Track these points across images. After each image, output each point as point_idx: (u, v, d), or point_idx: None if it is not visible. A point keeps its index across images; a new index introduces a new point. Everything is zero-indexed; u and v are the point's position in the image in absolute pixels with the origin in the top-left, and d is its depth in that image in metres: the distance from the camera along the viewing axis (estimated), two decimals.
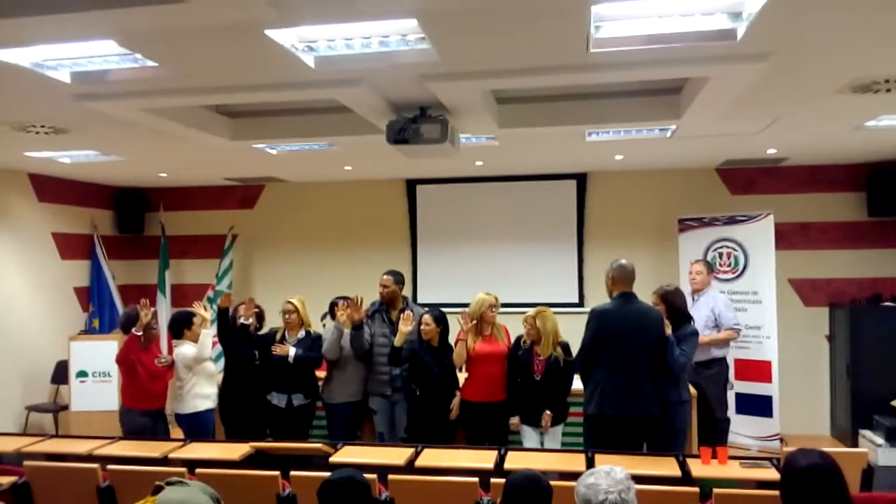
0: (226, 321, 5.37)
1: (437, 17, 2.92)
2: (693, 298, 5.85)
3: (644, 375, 4.43)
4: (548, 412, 4.76)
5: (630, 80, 4.41)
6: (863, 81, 3.98)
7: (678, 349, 4.52)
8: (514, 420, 4.92)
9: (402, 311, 5.35)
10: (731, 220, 6.89)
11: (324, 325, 5.57)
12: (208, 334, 5.20)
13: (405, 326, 5.05)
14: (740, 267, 6.80)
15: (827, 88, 4.13)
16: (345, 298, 5.37)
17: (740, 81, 3.84)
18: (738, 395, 6.63)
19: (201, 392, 5.19)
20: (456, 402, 5.06)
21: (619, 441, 4.34)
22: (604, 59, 3.47)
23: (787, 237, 7.12)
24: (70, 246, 7.74)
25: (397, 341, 5.07)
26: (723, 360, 5.79)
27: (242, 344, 5.29)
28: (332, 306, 5.45)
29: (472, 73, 3.70)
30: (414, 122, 4.32)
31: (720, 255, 6.91)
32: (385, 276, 5.43)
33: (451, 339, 5.30)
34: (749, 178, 7.39)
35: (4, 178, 6.93)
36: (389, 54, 3.40)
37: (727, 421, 5.89)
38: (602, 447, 4.26)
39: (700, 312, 5.73)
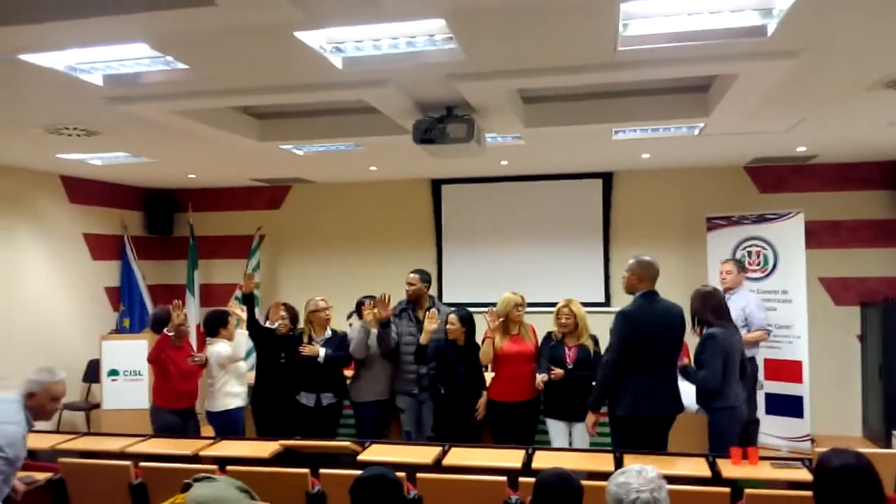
0: (253, 315, 5.43)
1: (464, 17, 2.93)
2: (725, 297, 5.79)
3: (672, 373, 4.42)
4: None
5: (658, 79, 4.38)
6: (894, 77, 3.92)
7: (698, 373, 4.37)
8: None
9: (429, 309, 5.37)
10: (761, 219, 6.81)
11: (350, 325, 5.61)
12: (243, 334, 5.25)
13: (430, 325, 5.07)
14: (770, 266, 6.72)
15: (858, 85, 4.07)
16: (371, 298, 5.39)
17: (770, 79, 3.80)
18: (769, 396, 6.55)
19: (232, 390, 5.25)
20: (482, 401, 5.06)
21: (650, 441, 4.32)
22: (632, 58, 3.45)
23: (818, 235, 7.02)
24: (100, 246, 7.87)
25: (423, 339, 5.09)
26: (752, 360, 5.72)
27: (267, 347, 5.35)
28: (359, 305, 5.49)
29: (498, 72, 3.71)
30: (440, 122, 4.33)
31: (749, 253, 6.83)
32: (411, 275, 5.45)
33: (478, 339, 5.31)
34: (778, 176, 7.30)
35: (36, 180, 7.06)
36: (416, 54, 3.41)
37: (757, 422, 5.82)
38: (633, 447, 4.23)
39: (731, 312, 5.66)
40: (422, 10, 2.81)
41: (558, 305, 5.07)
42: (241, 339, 5.23)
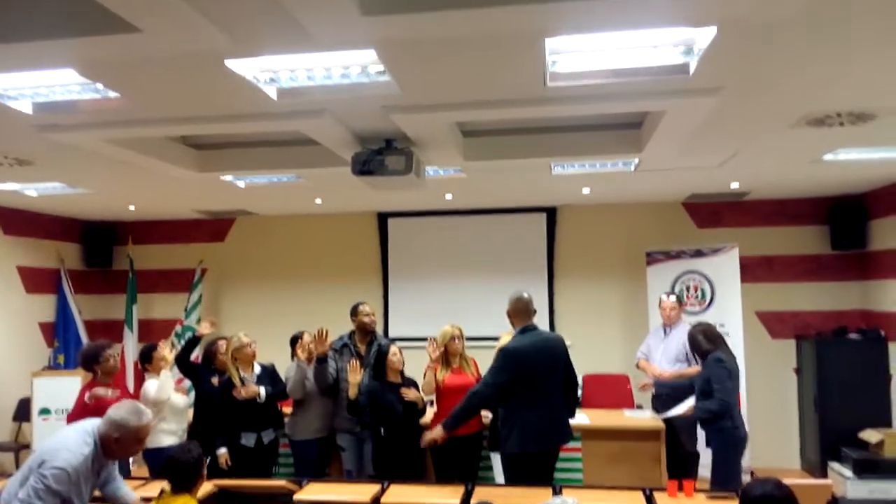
0: (188, 357, 5.29)
1: (395, 49, 2.96)
2: (664, 332, 5.90)
3: (558, 405, 4.43)
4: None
5: (589, 114, 4.49)
6: (816, 115, 4.09)
7: (707, 403, 4.55)
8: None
9: (371, 343, 5.33)
10: (698, 253, 6.98)
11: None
12: (168, 375, 5.06)
13: (354, 377, 5.00)
14: (707, 299, 6.87)
15: (781, 122, 4.23)
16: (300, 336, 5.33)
17: (696, 115, 3.93)
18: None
19: (167, 427, 5.07)
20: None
21: (541, 472, 4.35)
22: (561, 93, 3.54)
23: (753, 270, 7.21)
24: (36, 280, 7.64)
25: (351, 393, 5.00)
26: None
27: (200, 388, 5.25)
28: (294, 340, 5.39)
29: (433, 105, 3.75)
30: (379, 154, 4.35)
31: (687, 287, 6.98)
32: (367, 307, 5.41)
33: (419, 372, 5.29)
34: (714, 212, 7.51)
35: None
36: (351, 86, 3.44)
37: (696, 454, 5.88)
38: (524, 481, 4.23)
39: (671, 346, 5.78)
40: (351, 40, 2.84)
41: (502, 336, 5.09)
42: (165, 380, 5.02)
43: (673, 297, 6.00)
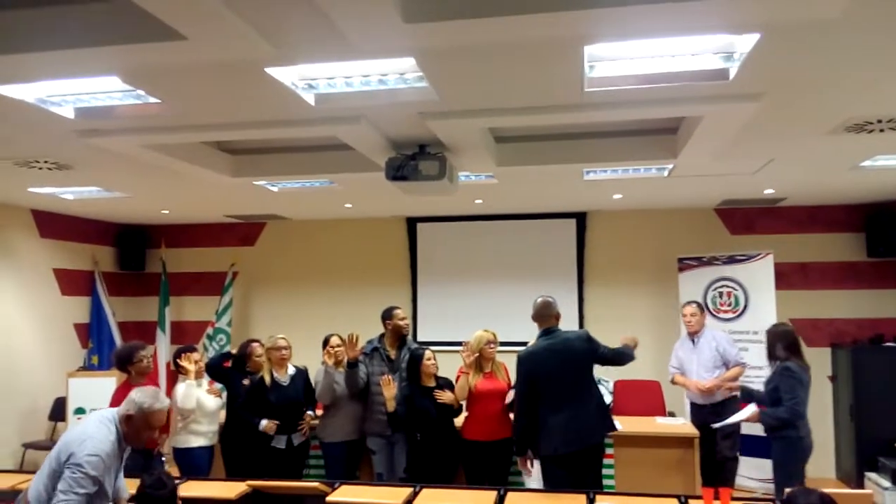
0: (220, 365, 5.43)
1: (433, 57, 2.98)
2: (692, 341, 5.83)
3: (585, 405, 4.36)
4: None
5: (625, 120, 4.48)
6: (856, 121, 4.03)
7: (777, 410, 4.55)
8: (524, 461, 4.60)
9: (401, 347, 5.34)
10: (731, 260, 6.90)
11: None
12: (192, 386, 5.13)
13: (389, 392, 5.05)
14: (741, 306, 6.79)
15: (820, 128, 4.18)
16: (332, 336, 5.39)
17: (734, 121, 3.90)
18: (743, 437, 6.53)
19: (197, 429, 5.14)
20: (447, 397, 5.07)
21: (582, 473, 4.31)
22: (599, 99, 3.53)
23: (787, 277, 7.12)
24: (71, 282, 7.77)
25: (389, 406, 5.05)
26: (736, 398, 5.65)
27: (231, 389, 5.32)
28: (325, 343, 5.43)
29: (469, 111, 3.76)
30: (412, 159, 4.37)
31: (720, 294, 6.90)
32: (401, 311, 5.42)
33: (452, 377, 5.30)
34: (748, 218, 7.43)
35: (7, 214, 6.98)
36: (388, 92, 3.46)
37: (736, 460, 5.80)
38: (562, 486, 4.22)
39: (703, 355, 5.71)
40: (391, 48, 2.85)
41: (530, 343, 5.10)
42: (187, 391, 5.10)
43: (693, 305, 5.92)
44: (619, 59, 3.13)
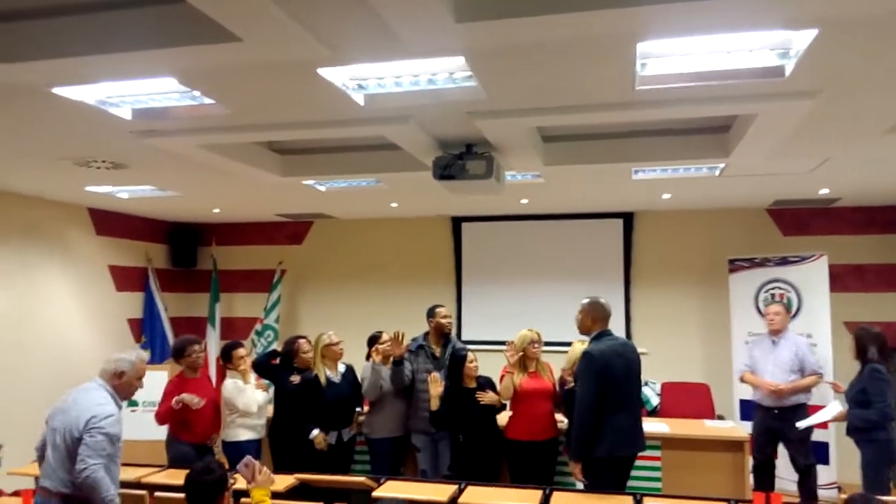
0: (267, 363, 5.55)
1: (484, 55, 2.98)
2: (772, 342, 5.69)
3: (638, 411, 4.44)
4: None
5: (676, 119, 4.42)
6: None
7: (866, 412, 4.57)
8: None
9: (445, 345, 5.37)
10: (784, 261, 6.75)
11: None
12: (245, 389, 5.27)
13: (435, 389, 5.08)
14: (794, 309, 6.62)
15: (879, 127, 4.06)
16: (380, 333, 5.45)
17: (789, 119, 3.81)
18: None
19: (246, 422, 5.25)
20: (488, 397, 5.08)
21: (620, 481, 4.33)
22: (650, 97, 3.49)
23: (842, 279, 6.94)
24: (125, 278, 7.98)
25: (433, 405, 5.07)
26: (805, 405, 5.56)
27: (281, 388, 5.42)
28: (372, 341, 5.48)
29: (517, 110, 3.75)
30: (460, 159, 4.37)
31: (772, 296, 6.74)
32: (444, 310, 5.48)
33: (495, 376, 5.30)
34: (801, 219, 7.26)
35: (65, 212, 7.21)
36: (437, 92, 3.47)
37: (813, 466, 5.62)
38: (607, 489, 4.20)
39: (783, 357, 5.57)
40: (442, 48, 2.86)
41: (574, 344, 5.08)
42: (251, 395, 5.27)
43: (779, 304, 5.76)
44: (671, 56, 3.09)
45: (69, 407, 3.56)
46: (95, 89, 3.54)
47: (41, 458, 3.68)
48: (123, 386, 3.70)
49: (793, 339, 5.66)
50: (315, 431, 5.14)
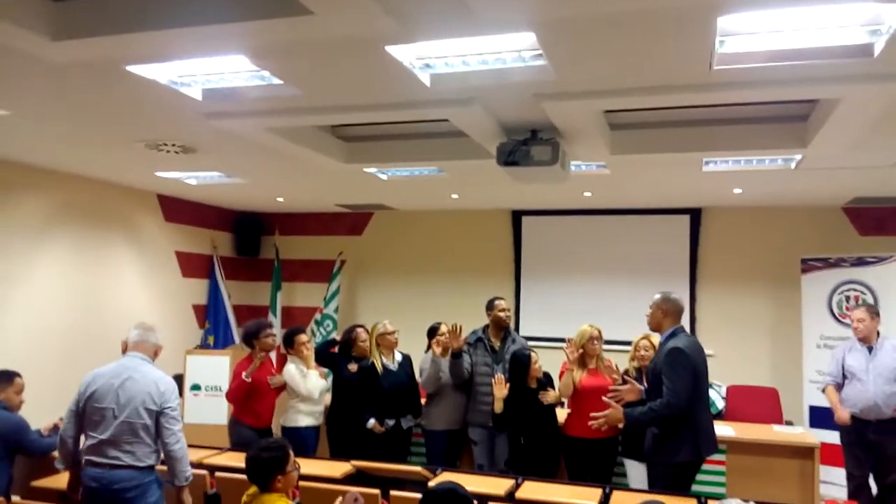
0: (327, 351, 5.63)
1: (555, 30, 2.90)
2: (868, 349, 5.16)
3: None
4: None
5: (751, 107, 4.25)
6: None
7: None
8: None
9: (505, 339, 5.30)
10: (860, 262, 6.45)
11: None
12: (308, 374, 5.30)
13: (500, 392, 4.99)
14: None
15: None
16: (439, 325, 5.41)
17: (876, 104, 3.60)
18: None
19: (305, 409, 5.29)
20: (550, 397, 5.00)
21: (688, 486, 4.18)
22: (728, 78, 3.34)
23: None
24: (191, 265, 8.17)
25: (498, 408, 4.99)
26: None
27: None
28: (431, 332, 5.44)
29: (587, 92, 3.65)
30: (525, 145, 4.30)
31: (847, 298, 6.45)
32: (503, 302, 5.41)
33: (555, 373, 5.21)
34: (879, 219, 6.93)
35: (137, 198, 7.41)
36: (505, 71, 3.41)
37: None
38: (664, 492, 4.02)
39: (884, 365, 5.06)
40: (513, 20, 2.80)
41: (636, 339, 4.96)
42: (310, 379, 5.29)
43: (862, 309, 5.25)
44: (752, 34, 2.95)
45: (128, 377, 3.61)
46: (168, 68, 3.59)
47: (75, 439, 3.67)
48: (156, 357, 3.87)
49: (891, 346, 5.15)
50: (372, 421, 5.14)
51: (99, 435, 3.53)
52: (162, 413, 3.55)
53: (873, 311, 5.27)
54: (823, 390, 5.47)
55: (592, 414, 4.30)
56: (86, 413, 3.59)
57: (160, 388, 3.59)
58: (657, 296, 4.37)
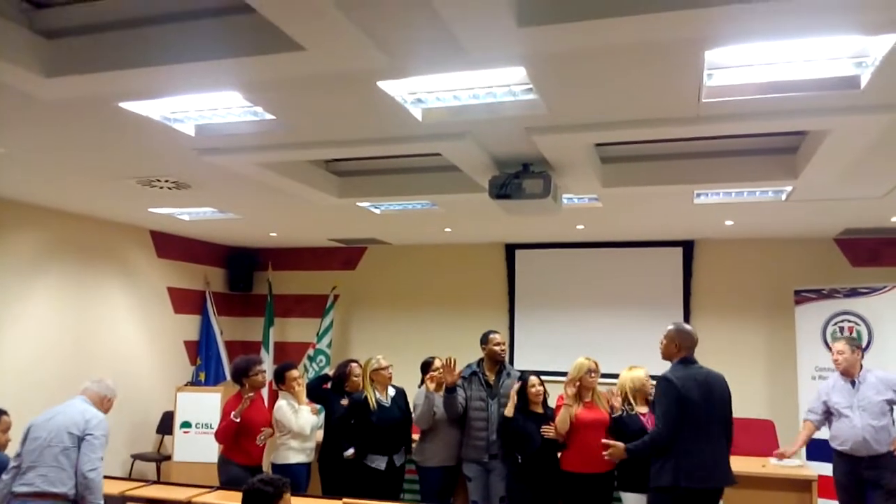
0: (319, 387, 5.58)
1: (545, 65, 2.93)
2: (852, 384, 5.02)
3: (719, 444, 4.17)
4: None
5: (741, 139, 4.29)
6: None
7: None
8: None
9: (500, 373, 5.26)
10: (853, 293, 6.46)
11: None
12: (300, 410, 5.24)
13: (515, 396, 4.96)
14: (864, 342, 6.31)
15: None
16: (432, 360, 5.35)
17: (863, 135, 3.64)
18: None
19: (295, 445, 5.21)
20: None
21: None
22: (716, 110, 3.38)
23: None
24: (183, 301, 8.12)
25: (509, 411, 4.94)
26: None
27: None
28: (425, 366, 5.39)
29: (578, 125, 3.67)
30: (516, 178, 4.31)
31: (841, 329, 6.45)
32: (498, 336, 5.38)
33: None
34: (871, 249, 6.95)
35: (129, 234, 7.40)
36: (496, 105, 3.44)
37: None
38: None
39: (868, 399, 4.91)
40: (503, 55, 2.83)
41: (624, 376, 5.01)
42: (306, 417, 5.23)
43: (842, 342, 5.13)
44: (740, 67, 2.99)
45: (60, 411, 3.90)
46: (161, 104, 3.62)
47: (17, 467, 3.84)
48: (106, 410, 4.12)
49: (875, 378, 5.01)
50: (350, 450, 5.14)
51: (27, 462, 3.75)
52: (83, 438, 3.77)
53: (854, 344, 5.15)
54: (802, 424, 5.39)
55: (604, 441, 4.45)
56: (23, 450, 3.84)
57: (86, 416, 3.86)
58: (670, 327, 4.40)
